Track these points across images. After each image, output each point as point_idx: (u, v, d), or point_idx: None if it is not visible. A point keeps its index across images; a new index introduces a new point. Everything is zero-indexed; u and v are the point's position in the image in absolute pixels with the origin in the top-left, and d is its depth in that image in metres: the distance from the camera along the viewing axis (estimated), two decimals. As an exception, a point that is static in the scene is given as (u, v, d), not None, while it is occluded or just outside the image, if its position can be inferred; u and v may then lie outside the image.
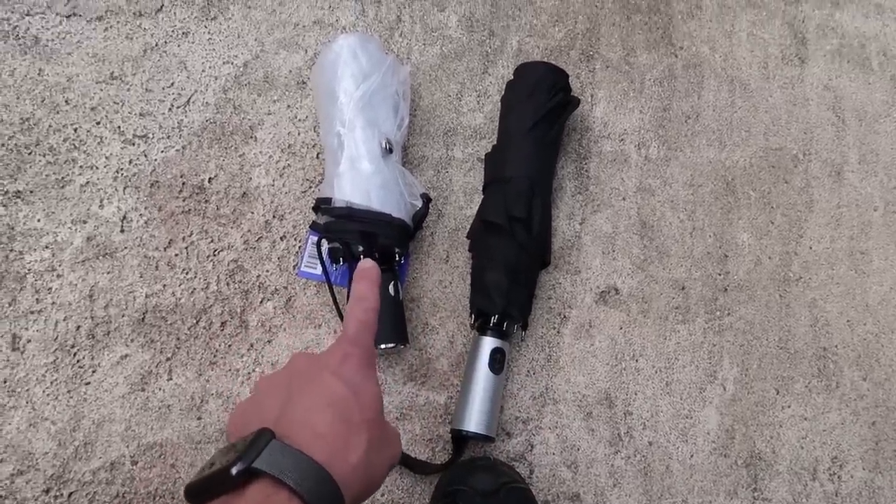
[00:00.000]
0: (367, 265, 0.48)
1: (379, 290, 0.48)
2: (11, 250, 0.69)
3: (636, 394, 0.76)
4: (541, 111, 0.75)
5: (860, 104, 0.90)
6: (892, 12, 0.95)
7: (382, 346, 0.69)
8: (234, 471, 0.34)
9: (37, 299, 0.68)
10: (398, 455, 0.45)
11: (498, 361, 0.70)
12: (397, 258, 0.71)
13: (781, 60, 0.91)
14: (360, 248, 0.68)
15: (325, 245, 0.71)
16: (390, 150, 0.70)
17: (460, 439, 0.70)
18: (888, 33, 0.94)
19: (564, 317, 0.77)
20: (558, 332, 0.77)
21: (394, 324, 0.70)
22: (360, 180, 0.69)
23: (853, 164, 0.88)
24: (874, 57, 0.93)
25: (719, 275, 0.81)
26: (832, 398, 0.79)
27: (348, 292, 0.71)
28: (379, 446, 0.41)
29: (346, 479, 0.37)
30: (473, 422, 0.68)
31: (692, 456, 0.75)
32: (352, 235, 0.68)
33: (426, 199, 0.72)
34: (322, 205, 0.70)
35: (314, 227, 0.72)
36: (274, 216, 0.75)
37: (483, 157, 0.80)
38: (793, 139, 0.88)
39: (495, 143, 0.79)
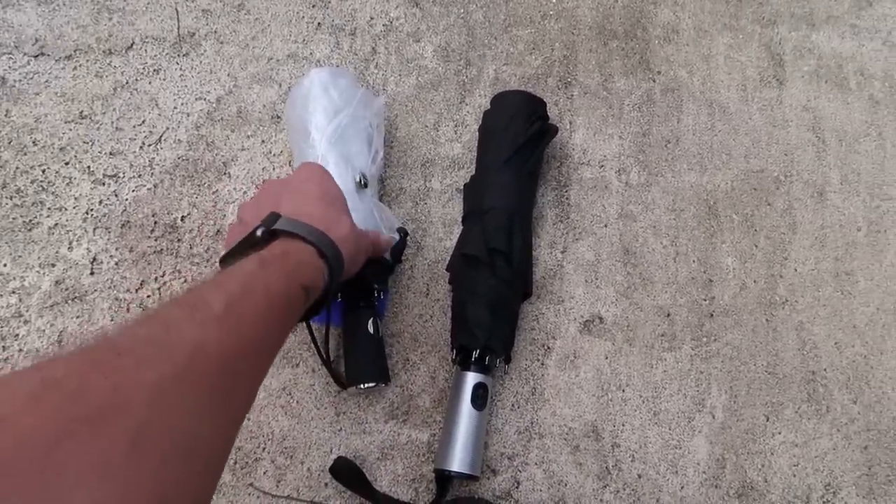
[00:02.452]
0: None
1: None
2: (-23, 296, 0.68)
3: (624, 425, 0.74)
4: (519, 140, 0.74)
5: (840, 124, 0.90)
6: (868, 32, 0.96)
7: (363, 385, 0.67)
8: (258, 232, 0.47)
9: (3, 346, 0.66)
10: (369, 248, 0.61)
11: (481, 397, 0.68)
12: (376, 294, 0.70)
13: (759, 82, 0.91)
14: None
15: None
16: (365, 185, 0.69)
17: (444, 479, 0.68)
18: (865, 53, 0.94)
19: (548, 348, 0.76)
20: (542, 363, 0.75)
21: (374, 362, 0.69)
22: None
23: (835, 184, 0.87)
24: (852, 77, 0.93)
25: (704, 300, 0.80)
26: (823, 423, 0.77)
27: (326, 330, 0.69)
28: (356, 232, 0.55)
29: (340, 243, 0.50)
30: (457, 460, 0.66)
31: (682, 488, 0.73)
32: None
33: (403, 233, 0.71)
34: None
35: None
36: (249, 253, 0.74)
37: (462, 187, 0.79)
38: (774, 161, 0.87)
39: (474, 173, 0.78)
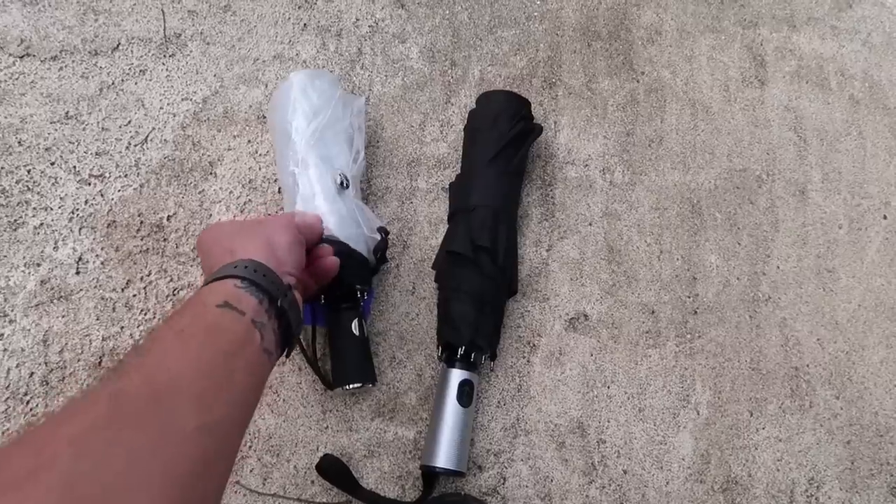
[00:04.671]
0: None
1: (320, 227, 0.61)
2: (-38, 296, 0.67)
3: (609, 421, 0.75)
4: (504, 139, 0.75)
5: (821, 124, 0.91)
6: (848, 33, 0.97)
7: (349, 386, 0.67)
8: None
9: (-12, 346, 0.66)
10: (306, 223, 0.59)
11: (466, 394, 0.68)
12: (359, 294, 0.70)
13: (742, 83, 0.92)
14: None
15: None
16: (346, 186, 0.69)
17: (430, 475, 0.68)
18: (845, 54, 0.96)
19: (534, 345, 0.76)
20: (528, 361, 0.76)
21: (360, 363, 0.69)
22: None
23: (816, 183, 0.88)
24: (832, 77, 0.94)
25: (688, 297, 0.81)
26: (806, 418, 0.78)
27: (313, 330, 0.69)
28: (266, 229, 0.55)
29: (253, 252, 0.50)
30: (443, 457, 0.66)
31: (668, 483, 0.73)
32: None
33: (384, 233, 0.71)
34: None
35: None
36: (235, 253, 0.74)
37: (447, 186, 0.79)
38: (756, 160, 0.88)
39: (459, 172, 0.79)
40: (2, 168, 0.72)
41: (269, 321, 0.46)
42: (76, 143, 0.75)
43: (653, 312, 0.79)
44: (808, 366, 0.80)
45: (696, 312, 0.80)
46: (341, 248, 0.66)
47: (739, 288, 0.82)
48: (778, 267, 0.84)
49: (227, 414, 0.39)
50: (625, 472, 0.73)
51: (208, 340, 0.40)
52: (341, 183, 0.69)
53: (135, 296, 0.70)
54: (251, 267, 0.48)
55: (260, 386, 0.44)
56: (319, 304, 0.69)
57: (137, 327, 0.70)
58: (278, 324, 0.47)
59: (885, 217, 0.88)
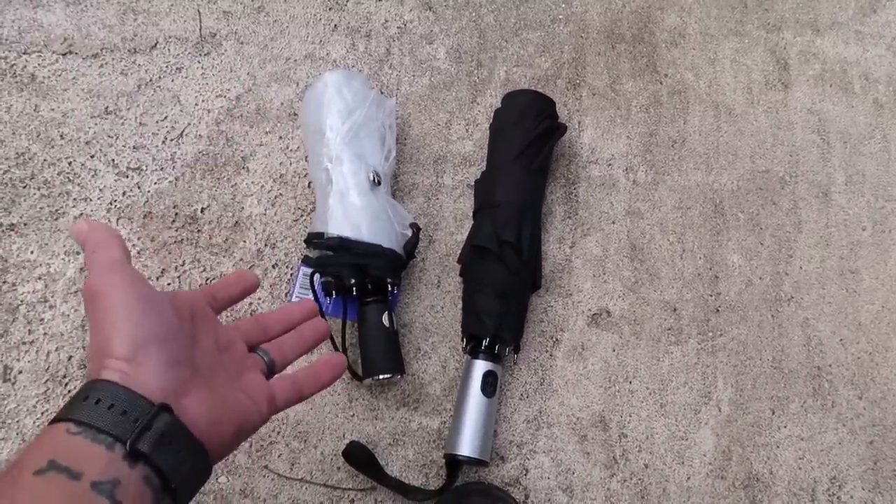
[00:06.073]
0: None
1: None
2: (4, 282, 0.70)
3: (631, 416, 0.75)
4: (528, 138, 0.76)
5: (844, 127, 0.92)
6: (872, 38, 0.98)
7: (380, 377, 0.69)
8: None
9: (29, 330, 0.69)
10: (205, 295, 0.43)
11: (490, 384, 0.70)
12: (390, 289, 0.72)
13: (765, 86, 0.93)
14: (353, 281, 0.69)
15: (317, 278, 0.71)
16: (378, 182, 0.71)
17: (454, 464, 0.69)
18: (868, 58, 0.96)
19: (557, 340, 0.77)
20: (551, 354, 0.77)
21: (390, 354, 0.70)
22: (350, 214, 0.69)
23: (840, 185, 0.89)
24: (856, 81, 0.95)
25: (711, 296, 0.81)
26: (828, 418, 0.78)
27: (343, 322, 0.71)
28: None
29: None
30: (467, 446, 0.67)
31: (689, 478, 0.74)
32: (344, 268, 0.69)
33: (415, 229, 0.73)
34: (314, 239, 0.70)
35: (306, 261, 0.72)
36: (266, 244, 0.76)
37: (473, 183, 0.81)
38: (779, 162, 0.89)
39: (484, 169, 0.80)
40: (45, 160, 0.75)
41: (133, 470, 0.31)
42: (115, 137, 0.77)
43: (675, 310, 0.80)
44: (830, 366, 0.80)
45: (718, 311, 0.81)
46: (370, 249, 0.68)
47: (762, 287, 0.83)
48: (801, 267, 0.84)
49: None
50: (646, 466, 0.74)
51: None
52: (374, 180, 0.71)
53: (169, 284, 0.73)
54: (94, 397, 0.32)
55: None
56: (351, 296, 0.70)
57: (171, 315, 0.72)
58: (150, 469, 0.32)
59: (909, 219, 0.88)
